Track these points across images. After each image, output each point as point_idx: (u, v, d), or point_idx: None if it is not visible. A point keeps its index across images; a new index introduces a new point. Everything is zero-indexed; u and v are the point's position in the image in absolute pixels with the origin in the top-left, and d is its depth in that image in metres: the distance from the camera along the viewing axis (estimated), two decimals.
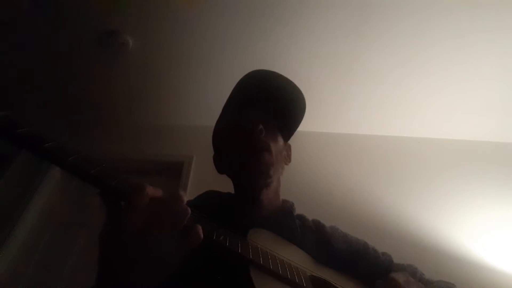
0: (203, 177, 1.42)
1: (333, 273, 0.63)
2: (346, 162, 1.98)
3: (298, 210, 0.74)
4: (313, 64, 1.76)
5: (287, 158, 0.76)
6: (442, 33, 1.55)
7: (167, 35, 1.67)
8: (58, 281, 1.55)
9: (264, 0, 1.50)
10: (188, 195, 0.39)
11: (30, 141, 0.34)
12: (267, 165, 0.64)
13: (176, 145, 2.02)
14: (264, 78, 0.72)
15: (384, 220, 1.70)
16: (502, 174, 1.87)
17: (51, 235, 1.71)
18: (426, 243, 1.63)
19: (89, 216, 1.66)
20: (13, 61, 1.82)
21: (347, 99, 1.95)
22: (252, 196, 0.66)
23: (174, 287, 0.40)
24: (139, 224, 0.35)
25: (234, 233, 0.49)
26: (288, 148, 0.77)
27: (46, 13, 1.58)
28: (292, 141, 0.77)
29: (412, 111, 1.96)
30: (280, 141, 0.70)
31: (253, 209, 0.67)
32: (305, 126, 0.75)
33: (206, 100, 1.95)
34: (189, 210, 0.38)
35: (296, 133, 0.76)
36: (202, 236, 0.38)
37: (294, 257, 0.58)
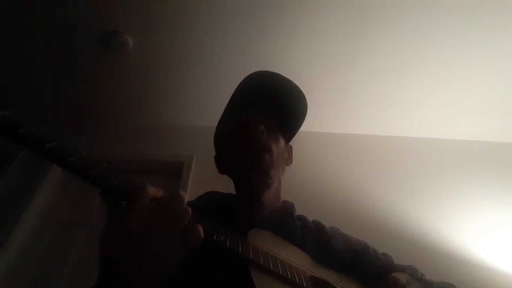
0: (203, 177, 1.43)
1: (333, 274, 0.63)
2: (346, 162, 1.98)
3: (299, 211, 0.74)
4: (313, 64, 1.76)
5: (288, 159, 0.76)
6: (442, 33, 1.55)
7: (167, 35, 1.67)
8: (58, 281, 1.55)
9: (264, 0, 1.50)
10: (188, 195, 0.39)
11: (31, 141, 0.34)
12: (268, 165, 0.63)
13: (176, 145, 2.02)
14: (265, 78, 0.71)
15: (384, 221, 1.70)
16: (502, 174, 1.87)
17: (51, 235, 1.71)
18: (426, 244, 1.63)
19: (89, 216, 1.67)
20: (13, 61, 1.82)
21: (347, 99, 1.95)
22: (253, 197, 0.66)
23: (175, 287, 0.40)
24: (140, 224, 0.35)
25: (235, 233, 0.49)
26: (290, 149, 0.77)
27: (46, 13, 1.58)
28: (292, 141, 0.77)
29: (412, 111, 1.97)
30: (281, 142, 0.70)
31: (254, 209, 0.67)
32: (305, 126, 0.74)
33: (206, 100, 1.96)
34: (190, 210, 0.38)
35: (296, 133, 0.76)
36: (202, 236, 0.38)
37: (294, 258, 0.58)
